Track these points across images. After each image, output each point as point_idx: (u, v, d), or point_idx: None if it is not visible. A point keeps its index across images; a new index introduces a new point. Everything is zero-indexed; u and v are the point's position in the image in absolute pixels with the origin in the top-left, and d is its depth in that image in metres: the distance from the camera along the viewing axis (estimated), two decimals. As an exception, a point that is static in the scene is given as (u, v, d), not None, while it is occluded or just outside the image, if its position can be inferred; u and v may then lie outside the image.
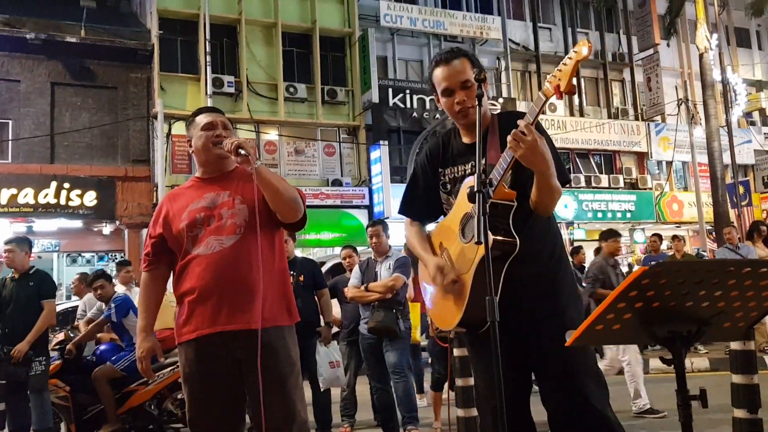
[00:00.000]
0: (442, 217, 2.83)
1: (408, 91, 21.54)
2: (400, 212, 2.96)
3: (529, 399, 2.67)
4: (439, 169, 2.77)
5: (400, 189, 19.10)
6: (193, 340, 2.80)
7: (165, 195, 3.08)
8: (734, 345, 4.15)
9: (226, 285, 2.76)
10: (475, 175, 2.21)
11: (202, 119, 2.99)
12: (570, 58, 2.19)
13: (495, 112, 2.74)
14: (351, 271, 6.71)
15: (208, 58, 18.89)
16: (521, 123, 2.29)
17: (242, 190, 2.90)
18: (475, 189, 2.25)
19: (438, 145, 2.81)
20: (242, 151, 2.76)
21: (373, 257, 6.05)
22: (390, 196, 19.69)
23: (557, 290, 2.59)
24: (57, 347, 6.16)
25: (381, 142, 20.15)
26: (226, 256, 2.79)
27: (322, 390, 6.03)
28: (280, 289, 2.90)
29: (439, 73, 2.64)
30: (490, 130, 2.63)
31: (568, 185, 2.59)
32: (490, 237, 2.27)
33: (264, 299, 2.76)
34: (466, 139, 2.71)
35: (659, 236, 11.30)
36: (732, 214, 20.27)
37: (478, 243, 2.21)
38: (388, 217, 17.61)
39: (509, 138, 2.30)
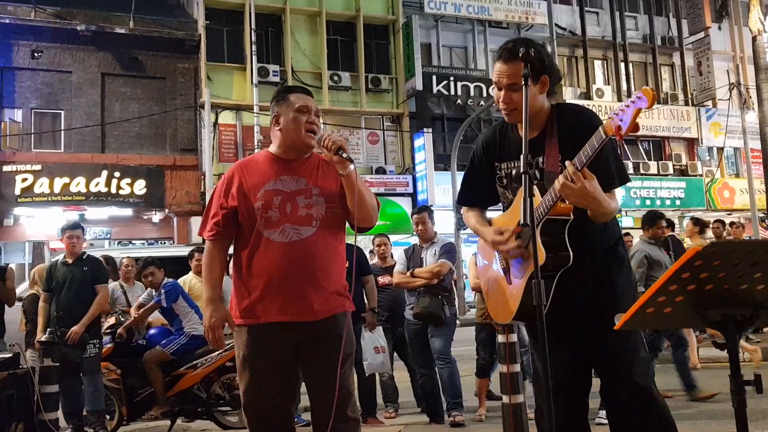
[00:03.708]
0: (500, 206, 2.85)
1: (452, 78, 21.40)
2: (458, 203, 3.00)
3: (587, 386, 2.72)
4: (495, 163, 2.76)
5: (443, 177, 19.20)
6: (259, 325, 2.82)
7: (235, 164, 3.00)
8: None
9: (300, 276, 2.78)
10: (522, 156, 2.23)
11: (297, 99, 2.91)
12: (631, 103, 2.10)
13: (554, 103, 2.68)
14: (382, 259, 6.73)
15: (254, 48, 19.06)
16: (569, 168, 2.27)
17: (321, 181, 2.90)
18: (522, 171, 2.26)
19: (494, 137, 2.78)
20: (344, 154, 2.76)
21: (419, 243, 6.04)
22: (434, 184, 19.62)
23: (613, 282, 2.61)
24: (108, 331, 6.32)
25: (425, 129, 20.09)
26: (303, 247, 2.79)
27: (367, 375, 6.06)
28: (343, 280, 2.95)
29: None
30: (548, 126, 2.60)
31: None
32: (543, 254, 2.32)
33: (333, 292, 2.85)
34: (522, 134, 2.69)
35: (722, 222, 10.74)
36: (786, 201, 19.69)
37: (524, 226, 2.22)
38: (432, 205, 17.56)
39: (559, 180, 2.30)
